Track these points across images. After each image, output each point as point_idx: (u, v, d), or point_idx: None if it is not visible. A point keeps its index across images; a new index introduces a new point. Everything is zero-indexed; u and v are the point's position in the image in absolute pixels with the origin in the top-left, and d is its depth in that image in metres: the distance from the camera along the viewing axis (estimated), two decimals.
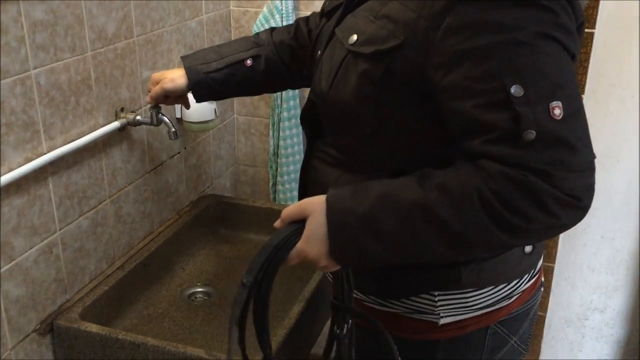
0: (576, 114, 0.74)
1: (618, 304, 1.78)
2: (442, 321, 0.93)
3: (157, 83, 1.20)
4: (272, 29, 1.21)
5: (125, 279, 1.35)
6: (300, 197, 1.02)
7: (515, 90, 0.71)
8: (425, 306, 0.93)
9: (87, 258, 1.29)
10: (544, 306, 1.82)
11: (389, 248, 0.77)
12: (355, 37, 0.86)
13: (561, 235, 1.74)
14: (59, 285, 1.22)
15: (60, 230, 1.20)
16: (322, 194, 0.93)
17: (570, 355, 1.89)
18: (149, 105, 1.29)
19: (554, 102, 0.71)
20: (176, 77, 1.17)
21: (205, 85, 1.16)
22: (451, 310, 0.93)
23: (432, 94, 0.79)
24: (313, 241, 0.81)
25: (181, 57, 1.19)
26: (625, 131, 1.61)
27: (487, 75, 0.73)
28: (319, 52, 0.98)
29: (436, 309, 0.93)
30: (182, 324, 1.35)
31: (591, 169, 0.75)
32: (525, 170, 0.71)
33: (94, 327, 1.17)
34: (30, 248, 1.13)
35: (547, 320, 1.85)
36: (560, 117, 0.71)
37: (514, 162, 0.71)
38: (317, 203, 0.82)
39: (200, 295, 1.45)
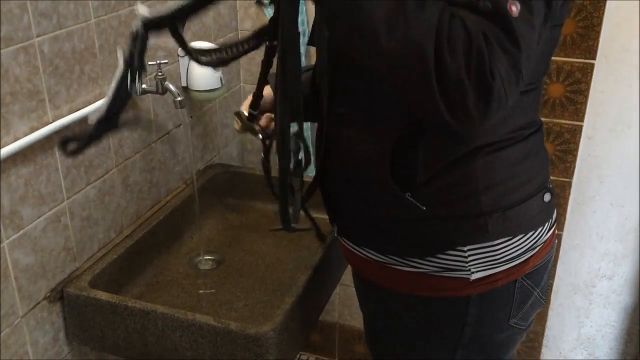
0: (530, 25, 0.73)
1: (626, 272, 1.78)
2: (474, 277, 0.95)
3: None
4: None
5: (133, 247, 1.36)
6: (322, 164, 1.02)
7: None
8: (456, 263, 0.94)
9: (95, 227, 1.29)
10: (551, 273, 1.82)
11: None
12: None
13: (570, 202, 1.73)
14: (68, 253, 1.23)
15: (67, 199, 1.20)
16: (342, 157, 0.94)
17: (577, 322, 1.89)
18: (154, 74, 1.29)
19: (513, 1, 0.72)
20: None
21: None
22: (481, 265, 0.94)
23: None
24: None
25: None
26: (637, 97, 1.59)
27: None
28: None
29: (467, 265, 0.94)
30: (191, 291, 1.36)
31: (517, 74, 0.73)
32: (476, 24, 0.71)
33: (103, 295, 1.19)
34: (39, 217, 1.14)
35: (554, 287, 1.85)
36: (515, 15, 0.71)
37: (470, 19, 0.71)
38: None
39: (208, 263, 1.46)
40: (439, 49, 0.70)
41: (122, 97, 0.88)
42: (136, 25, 0.85)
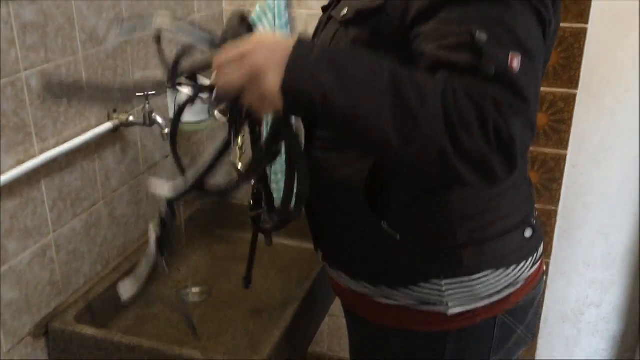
0: (532, 74, 0.75)
1: (614, 299, 1.79)
2: (451, 311, 0.94)
3: None
4: None
5: (120, 280, 1.34)
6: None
7: (480, 35, 0.73)
8: (433, 296, 0.94)
9: (81, 260, 1.28)
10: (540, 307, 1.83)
11: (343, 92, 0.73)
12: (345, 10, 0.89)
13: (557, 231, 1.74)
14: (54, 287, 1.21)
15: (53, 232, 1.19)
16: (324, 182, 0.96)
17: (566, 351, 1.89)
18: (141, 106, 1.30)
19: (514, 53, 0.73)
20: None
21: None
22: (459, 299, 0.94)
23: (415, 55, 0.80)
24: (265, 48, 0.75)
25: None
26: (620, 126, 1.62)
27: (458, 20, 0.75)
28: (316, 39, 1.00)
29: (444, 299, 0.94)
30: (178, 325, 1.34)
31: (531, 129, 0.74)
32: (482, 94, 0.72)
33: (89, 330, 1.17)
34: (24, 251, 1.13)
35: (543, 315, 1.85)
36: (517, 69, 0.73)
37: (475, 88, 0.72)
38: (277, 35, 0.79)
39: (196, 296, 1.44)
40: (454, 136, 0.71)
41: (152, 270, 0.97)
42: (161, 207, 0.93)
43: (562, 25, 1.54)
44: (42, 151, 1.13)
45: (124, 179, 1.38)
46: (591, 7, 1.50)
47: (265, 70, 0.74)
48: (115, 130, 1.31)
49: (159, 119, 1.31)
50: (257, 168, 0.96)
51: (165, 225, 0.94)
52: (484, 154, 0.71)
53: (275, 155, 0.89)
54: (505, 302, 0.96)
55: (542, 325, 1.87)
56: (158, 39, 0.92)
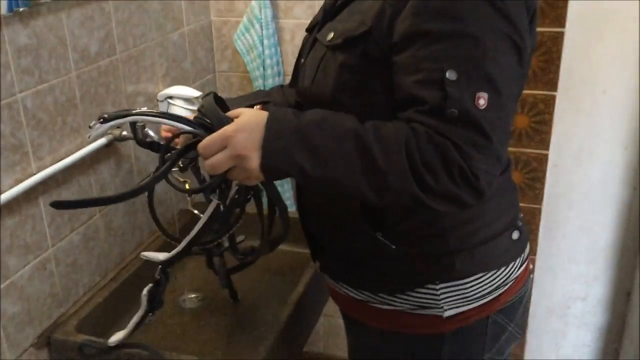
0: (498, 109, 0.81)
1: (598, 292, 1.84)
2: (447, 314, 0.99)
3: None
4: (282, 86, 1.27)
5: (118, 290, 1.38)
6: (298, 201, 1.09)
7: (450, 74, 0.79)
8: (429, 300, 0.99)
9: (80, 272, 1.32)
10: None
11: (316, 164, 0.81)
12: (332, 34, 0.93)
13: (541, 227, 1.79)
14: (54, 299, 1.25)
15: (52, 246, 1.23)
16: (319, 197, 1.02)
17: (554, 344, 1.94)
18: None
19: (481, 93, 0.80)
20: None
21: None
22: (454, 302, 0.99)
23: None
24: (244, 133, 0.82)
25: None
26: (598, 126, 1.66)
27: (430, 57, 0.81)
28: (303, 60, 1.04)
29: (440, 302, 0.99)
30: (176, 331, 1.39)
31: (496, 160, 0.82)
32: (444, 139, 0.79)
33: (89, 339, 1.21)
34: (24, 266, 1.17)
35: (531, 311, 1.90)
36: (483, 107, 0.79)
37: (437, 131, 0.80)
38: (252, 114, 0.85)
39: (193, 302, 1.49)
40: (422, 182, 0.79)
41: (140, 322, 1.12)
42: (155, 273, 1.07)
43: (540, 29, 1.59)
44: (39, 169, 1.17)
45: (119, 191, 1.42)
46: (567, 12, 1.55)
47: (246, 154, 0.81)
48: (109, 145, 1.35)
49: (151, 133, 1.35)
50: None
51: (159, 286, 1.08)
52: (452, 192, 0.80)
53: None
54: (496, 302, 1.01)
55: (530, 320, 1.92)
56: (134, 129, 1.09)
